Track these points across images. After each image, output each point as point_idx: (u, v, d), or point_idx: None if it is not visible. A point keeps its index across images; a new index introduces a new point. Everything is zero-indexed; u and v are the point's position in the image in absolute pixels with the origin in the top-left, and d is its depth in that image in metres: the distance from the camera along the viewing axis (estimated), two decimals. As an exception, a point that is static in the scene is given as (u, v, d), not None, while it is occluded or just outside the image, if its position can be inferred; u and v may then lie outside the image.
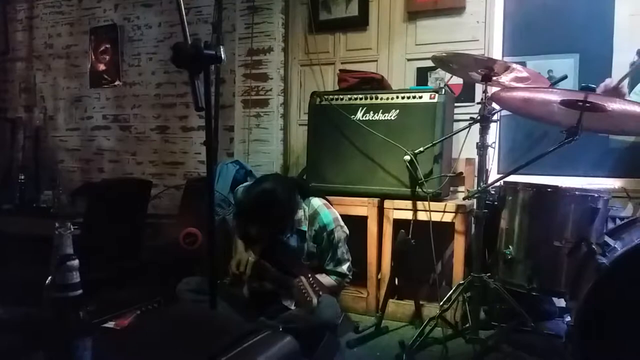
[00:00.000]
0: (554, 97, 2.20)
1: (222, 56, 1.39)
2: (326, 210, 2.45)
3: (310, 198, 2.49)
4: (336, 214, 2.49)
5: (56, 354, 0.93)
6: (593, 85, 2.04)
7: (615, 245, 1.81)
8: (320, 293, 2.08)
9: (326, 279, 2.38)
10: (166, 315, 1.33)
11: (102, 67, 4.57)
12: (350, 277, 2.49)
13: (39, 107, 4.91)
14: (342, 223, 2.47)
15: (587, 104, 2.05)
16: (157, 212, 3.82)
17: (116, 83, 4.51)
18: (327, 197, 2.63)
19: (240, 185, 2.69)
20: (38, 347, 1.02)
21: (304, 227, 2.42)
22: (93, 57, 4.60)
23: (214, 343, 1.02)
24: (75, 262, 0.94)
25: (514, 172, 2.32)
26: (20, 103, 5.04)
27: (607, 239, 1.88)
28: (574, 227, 2.22)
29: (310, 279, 2.13)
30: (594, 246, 1.87)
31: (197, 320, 1.21)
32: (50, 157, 4.84)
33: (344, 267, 2.43)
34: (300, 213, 2.42)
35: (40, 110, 4.89)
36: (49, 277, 1.01)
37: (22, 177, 4.14)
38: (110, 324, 2.25)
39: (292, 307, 2.30)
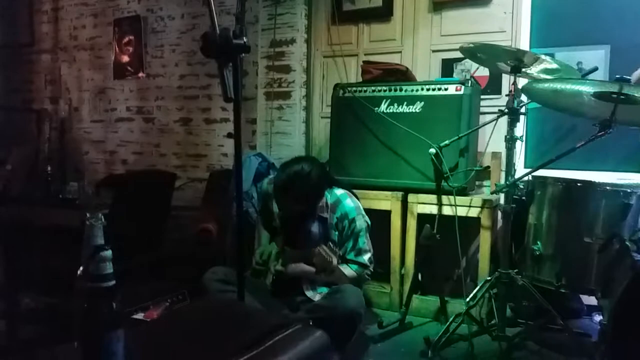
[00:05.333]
0: (587, 88, 2.15)
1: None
2: (348, 199, 2.46)
3: (333, 187, 2.49)
4: (358, 203, 2.49)
5: (89, 344, 0.93)
6: (628, 77, 1.98)
7: (651, 242, 1.76)
8: (339, 254, 2.22)
9: (347, 270, 2.37)
10: (196, 308, 1.33)
11: (125, 58, 4.60)
12: (372, 269, 2.46)
13: (64, 99, 4.97)
14: (363, 212, 2.47)
15: (622, 96, 2.00)
16: (180, 204, 3.83)
17: (139, 75, 4.53)
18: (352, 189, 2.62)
19: (266, 178, 2.72)
20: (66, 337, 1.02)
21: (326, 215, 2.43)
22: (117, 48, 4.63)
23: (246, 336, 1.01)
24: (109, 253, 0.93)
25: (545, 165, 2.27)
26: (46, 95, 5.10)
27: (642, 235, 1.83)
28: (605, 223, 2.18)
29: (329, 245, 2.24)
30: (627, 243, 1.82)
31: (227, 313, 1.20)
32: (76, 148, 4.90)
33: (365, 258, 2.41)
34: (323, 200, 2.43)
35: (66, 102, 4.94)
36: (80, 268, 1.01)
37: (49, 168, 4.18)
38: (139, 316, 2.27)
39: (316, 299, 2.30)
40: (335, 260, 2.21)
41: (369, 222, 2.47)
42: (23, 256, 2.66)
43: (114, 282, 0.93)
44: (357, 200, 2.50)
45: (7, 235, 2.73)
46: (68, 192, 3.80)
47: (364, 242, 2.42)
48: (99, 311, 0.91)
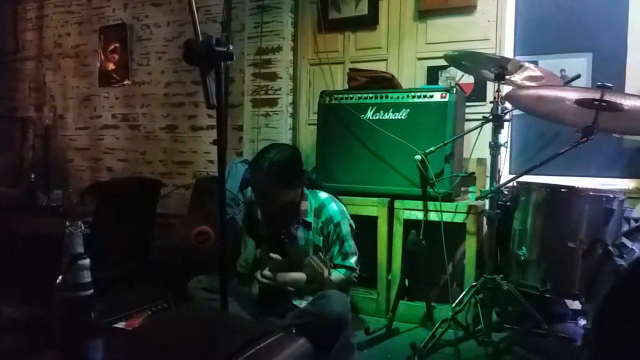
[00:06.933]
0: (569, 95, 2.17)
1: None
2: (332, 203, 2.43)
3: (317, 191, 2.48)
4: (342, 207, 2.46)
5: (67, 354, 0.91)
6: (609, 84, 2.01)
7: (633, 247, 1.77)
8: (330, 265, 2.22)
9: (335, 274, 2.36)
10: (178, 316, 1.32)
11: (111, 66, 4.57)
12: (358, 272, 2.45)
13: (48, 106, 4.92)
14: (348, 216, 2.45)
15: (604, 103, 2.02)
16: (166, 211, 3.81)
17: (125, 82, 4.51)
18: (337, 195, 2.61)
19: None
20: (49, 347, 1.01)
21: (310, 219, 2.40)
22: (102, 56, 4.60)
23: (227, 345, 1.00)
24: (87, 262, 0.92)
25: (529, 172, 2.28)
26: (30, 102, 5.05)
27: (624, 240, 1.84)
28: (588, 228, 2.20)
29: (319, 255, 2.25)
30: (610, 248, 1.84)
31: (209, 321, 1.19)
32: (60, 156, 4.85)
33: (352, 261, 2.39)
34: (306, 204, 2.41)
35: (50, 110, 4.90)
36: (60, 277, 1.00)
37: (33, 176, 4.14)
38: (121, 325, 2.24)
39: (302, 306, 2.29)
40: (326, 272, 2.19)
41: (354, 226, 2.46)
42: (6, 264, 2.62)
43: (92, 291, 0.91)
44: (341, 204, 2.48)
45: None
46: (52, 199, 3.77)
47: (350, 245, 2.41)
48: (76, 320, 0.90)
